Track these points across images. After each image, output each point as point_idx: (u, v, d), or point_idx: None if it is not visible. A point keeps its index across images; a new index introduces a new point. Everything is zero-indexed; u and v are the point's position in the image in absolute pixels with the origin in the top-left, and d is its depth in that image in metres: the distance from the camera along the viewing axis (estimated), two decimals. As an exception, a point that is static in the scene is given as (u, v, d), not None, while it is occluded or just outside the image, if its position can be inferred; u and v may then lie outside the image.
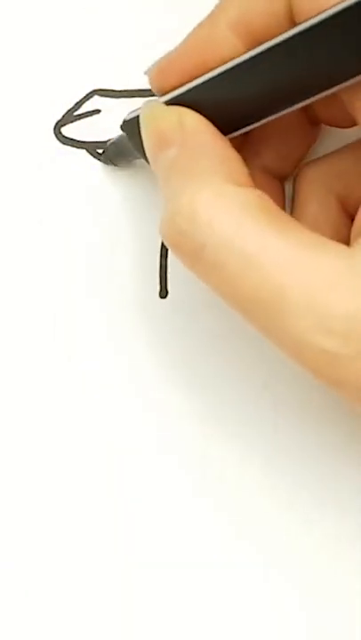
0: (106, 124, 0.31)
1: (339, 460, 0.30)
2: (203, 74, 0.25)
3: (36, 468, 0.30)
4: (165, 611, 0.30)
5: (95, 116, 0.32)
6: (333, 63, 0.22)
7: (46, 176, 0.31)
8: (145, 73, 0.27)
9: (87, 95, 0.32)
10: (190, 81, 0.25)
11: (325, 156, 0.28)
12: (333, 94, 0.23)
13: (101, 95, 0.32)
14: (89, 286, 0.31)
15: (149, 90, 0.31)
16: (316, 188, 0.28)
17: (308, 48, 0.22)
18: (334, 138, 0.29)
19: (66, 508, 0.30)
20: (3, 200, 0.31)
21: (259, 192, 0.24)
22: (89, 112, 0.32)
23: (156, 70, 0.26)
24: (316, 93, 0.23)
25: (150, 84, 0.27)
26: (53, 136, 0.32)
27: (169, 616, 0.30)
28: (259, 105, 0.24)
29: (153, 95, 0.31)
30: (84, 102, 0.32)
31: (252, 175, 0.26)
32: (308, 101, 0.24)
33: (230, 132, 0.25)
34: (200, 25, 0.25)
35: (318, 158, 0.29)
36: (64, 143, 0.32)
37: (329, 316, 0.22)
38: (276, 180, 0.29)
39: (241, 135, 0.26)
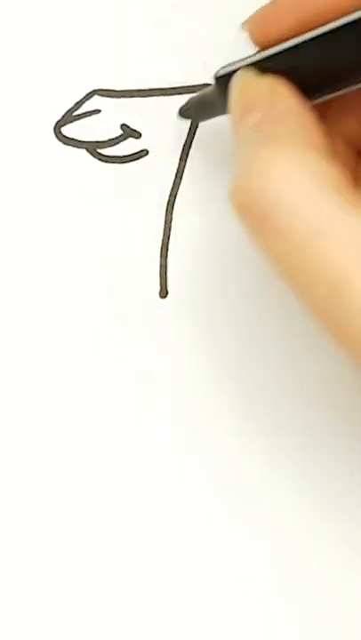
0: (106, 124, 0.31)
1: (339, 460, 0.30)
2: (300, 32, 0.25)
3: (34, 470, 0.30)
4: (167, 607, 0.30)
5: (95, 116, 0.32)
6: None
7: (46, 176, 0.31)
8: (242, 25, 0.26)
9: (87, 95, 0.32)
10: (287, 39, 0.25)
11: None
12: None
13: (101, 95, 0.32)
14: (88, 286, 0.31)
15: (149, 90, 0.32)
16: None
17: None
18: None
19: (64, 506, 0.30)
20: (2, 200, 0.31)
21: (335, 166, 0.23)
22: (89, 112, 0.32)
23: (254, 22, 0.26)
24: None
25: (250, 36, 0.26)
26: (53, 136, 0.31)
27: (170, 612, 0.30)
28: (352, 69, 0.24)
29: (152, 95, 0.32)
30: (84, 102, 0.32)
31: (333, 143, 0.26)
32: None
33: (318, 97, 0.25)
34: None
35: None
36: (64, 143, 0.32)
37: None
38: (354, 153, 0.28)
39: (326, 101, 0.25)
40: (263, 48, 0.26)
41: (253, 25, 0.26)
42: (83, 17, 0.32)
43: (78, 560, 0.30)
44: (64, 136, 0.31)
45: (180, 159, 0.31)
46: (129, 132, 0.31)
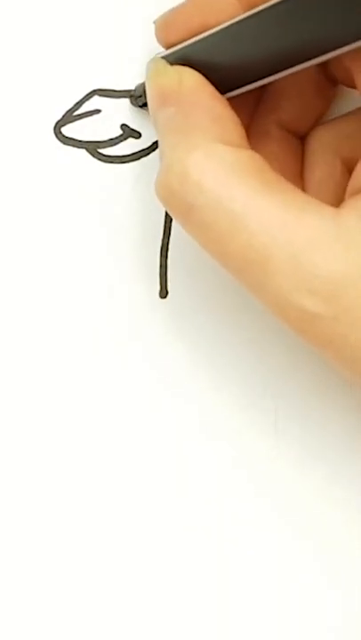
0: (106, 124, 0.31)
1: (340, 460, 0.30)
2: (204, 32, 0.25)
3: (35, 469, 0.30)
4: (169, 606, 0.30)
5: (95, 116, 0.32)
6: (331, 28, 0.22)
7: (46, 176, 0.31)
8: (153, 22, 0.28)
9: (87, 95, 0.32)
10: (192, 36, 0.26)
11: (335, 118, 0.29)
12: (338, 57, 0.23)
13: (101, 95, 0.32)
14: (88, 286, 0.31)
15: (149, 90, 0.31)
16: (323, 150, 0.28)
17: (303, 12, 0.22)
18: (352, 101, 0.29)
19: (65, 506, 0.30)
20: (2, 200, 0.31)
21: (250, 152, 0.24)
22: (89, 112, 0.32)
23: (161, 24, 0.27)
24: (314, 57, 0.23)
25: (155, 36, 0.27)
26: (53, 136, 0.31)
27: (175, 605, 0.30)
28: (257, 65, 0.25)
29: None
30: (84, 102, 0.32)
31: (269, 130, 0.27)
32: (305, 65, 0.24)
33: (231, 91, 0.26)
34: None
35: (328, 121, 0.29)
36: (64, 143, 0.31)
37: (312, 276, 0.22)
38: (292, 136, 0.29)
39: (259, 89, 0.26)
40: (168, 48, 0.27)
41: (159, 28, 0.27)
42: (83, 17, 0.32)
43: (88, 553, 0.30)
44: (64, 136, 0.31)
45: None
46: (129, 132, 0.31)
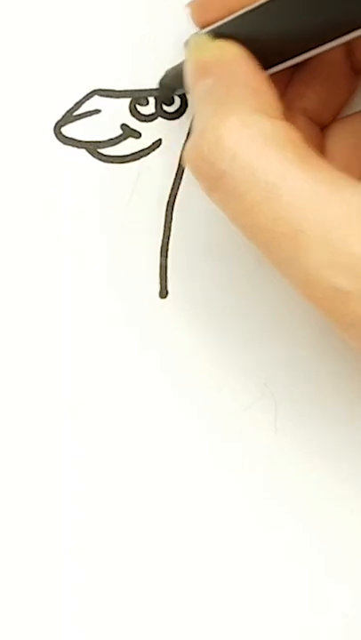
0: (106, 124, 0.31)
1: (340, 459, 0.30)
2: (243, 7, 0.25)
3: (34, 470, 0.30)
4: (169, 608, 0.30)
5: (95, 116, 0.32)
6: None
7: (46, 176, 0.31)
8: (186, 5, 0.27)
9: (87, 95, 0.32)
10: (230, 14, 0.26)
11: (355, 113, 0.29)
12: None
13: (101, 95, 0.32)
14: (89, 286, 0.31)
15: (150, 90, 0.31)
16: (342, 144, 0.28)
17: None
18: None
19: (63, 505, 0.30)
20: (2, 200, 0.31)
21: (287, 124, 0.24)
22: (89, 112, 0.32)
23: (198, 4, 0.27)
24: (353, 30, 0.23)
25: (191, 16, 0.27)
26: (53, 136, 0.31)
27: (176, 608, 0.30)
28: (299, 38, 0.24)
29: (153, 95, 0.32)
30: (84, 102, 0.32)
31: (294, 118, 0.27)
32: (347, 37, 0.23)
33: (272, 66, 0.26)
34: None
35: (349, 115, 0.29)
36: (64, 143, 0.32)
37: (344, 252, 0.22)
38: (315, 125, 0.29)
39: (287, 76, 0.26)
40: (203, 27, 0.27)
41: (195, 8, 0.27)
42: (83, 17, 0.32)
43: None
44: (64, 136, 0.31)
45: (180, 159, 0.31)
46: (129, 132, 0.31)
